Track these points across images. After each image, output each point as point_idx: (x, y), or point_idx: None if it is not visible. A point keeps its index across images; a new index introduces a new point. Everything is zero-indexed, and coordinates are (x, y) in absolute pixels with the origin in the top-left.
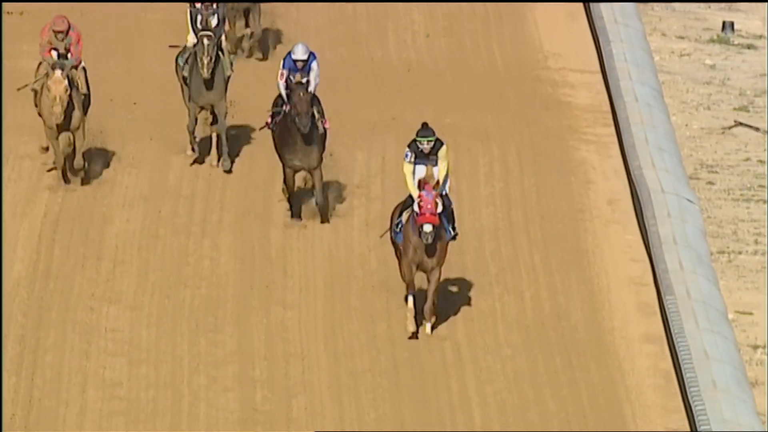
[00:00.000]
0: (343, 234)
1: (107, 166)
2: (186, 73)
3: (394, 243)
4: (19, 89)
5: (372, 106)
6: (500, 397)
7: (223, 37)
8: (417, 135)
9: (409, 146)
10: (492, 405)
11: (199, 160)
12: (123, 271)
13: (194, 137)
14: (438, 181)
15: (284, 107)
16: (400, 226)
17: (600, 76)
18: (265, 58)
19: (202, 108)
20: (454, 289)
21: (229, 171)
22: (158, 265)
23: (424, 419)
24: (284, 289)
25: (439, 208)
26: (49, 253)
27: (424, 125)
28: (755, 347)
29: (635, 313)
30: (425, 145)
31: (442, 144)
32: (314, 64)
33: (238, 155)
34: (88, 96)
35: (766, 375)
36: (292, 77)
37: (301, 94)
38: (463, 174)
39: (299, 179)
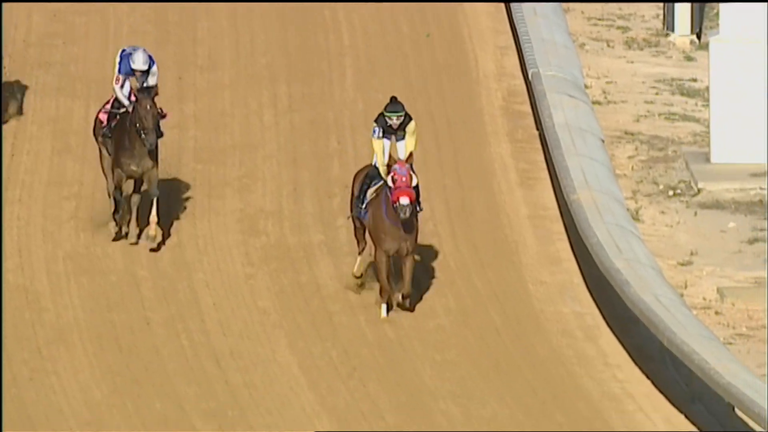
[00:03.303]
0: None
1: None
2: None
3: (355, 219)
4: None
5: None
6: None
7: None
8: (385, 110)
9: (376, 121)
10: None
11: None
12: None
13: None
14: (411, 154)
15: (120, 110)
16: (365, 203)
17: None
18: None
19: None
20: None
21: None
22: None
23: None
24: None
25: (414, 181)
26: None
27: (393, 99)
28: None
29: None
30: (394, 120)
31: (410, 119)
32: (154, 68)
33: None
34: None
35: None
36: (128, 81)
37: (148, 106)
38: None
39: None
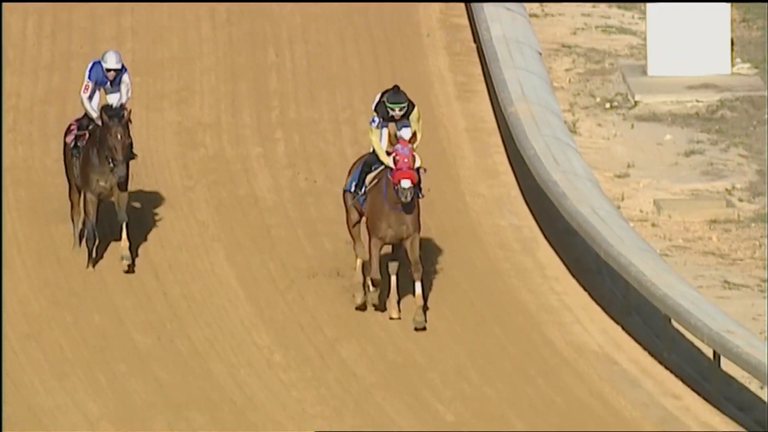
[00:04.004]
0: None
1: None
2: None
3: (350, 207)
4: None
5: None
6: None
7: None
8: (387, 100)
9: (376, 110)
10: None
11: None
12: None
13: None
14: (415, 135)
15: (89, 126)
16: (364, 189)
17: None
18: None
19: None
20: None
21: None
22: None
23: None
24: None
25: (417, 163)
26: None
27: (396, 89)
28: None
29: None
30: (396, 112)
31: (413, 107)
32: (126, 77)
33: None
34: None
35: None
36: (97, 91)
37: (119, 135)
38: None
39: None
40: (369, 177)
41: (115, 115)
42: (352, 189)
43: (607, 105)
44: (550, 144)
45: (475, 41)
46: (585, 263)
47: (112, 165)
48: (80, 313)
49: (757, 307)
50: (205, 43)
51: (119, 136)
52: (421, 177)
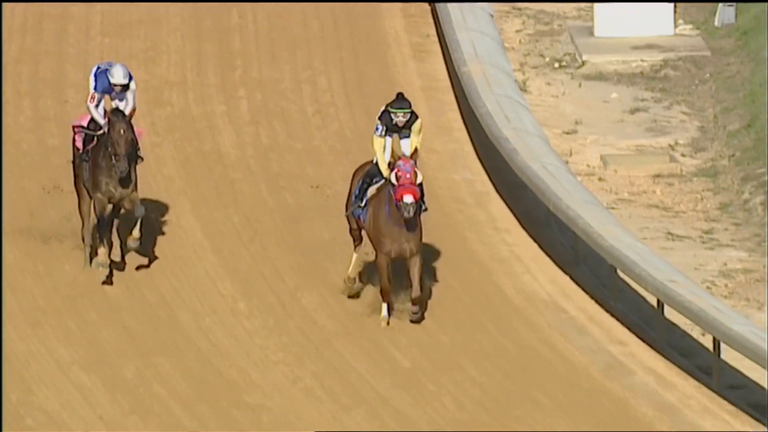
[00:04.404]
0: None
1: None
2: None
3: (351, 219)
4: None
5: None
6: None
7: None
8: (391, 106)
9: (380, 118)
10: None
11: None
12: None
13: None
14: (416, 150)
15: (98, 132)
16: (364, 200)
17: None
18: None
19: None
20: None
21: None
22: None
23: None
24: None
25: (419, 179)
26: None
27: (400, 96)
28: None
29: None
30: (400, 118)
31: (416, 117)
32: (132, 84)
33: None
34: None
35: None
36: (103, 101)
37: (122, 131)
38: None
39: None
40: (370, 190)
41: (119, 112)
42: (354, 202)
43: (556, 65)
44: (502, 102)
45: (429, 3)
46: (535, 216)
47: (113, 161)
48: (52, 263)
49: (699, 258)
50: (172, 5)
51: (121, 131)
52: (424, 192)
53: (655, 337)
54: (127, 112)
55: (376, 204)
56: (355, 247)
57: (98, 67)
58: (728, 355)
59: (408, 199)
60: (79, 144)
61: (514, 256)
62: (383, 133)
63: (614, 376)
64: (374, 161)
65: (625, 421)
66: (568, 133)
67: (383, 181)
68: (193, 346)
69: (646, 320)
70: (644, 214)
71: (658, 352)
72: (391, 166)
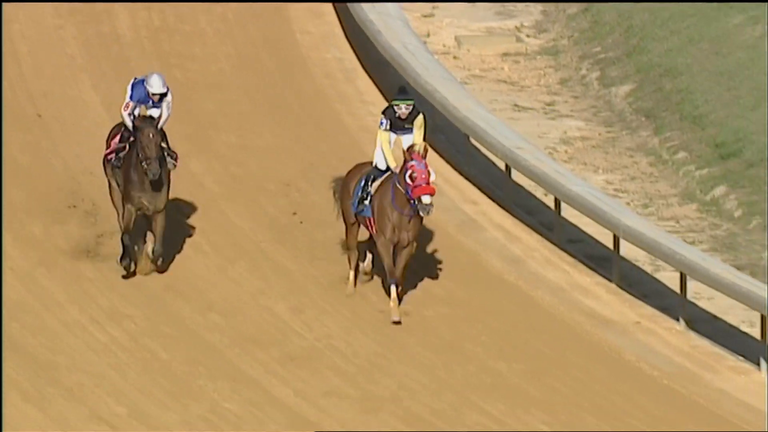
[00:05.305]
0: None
1: None
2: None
3: (348, 214)
4: None
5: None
6: None
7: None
8: (394, 98)
9: (384, 113)
10: None
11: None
12: None
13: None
14: (426, 148)
15: (130, 139)
16: (368, 198)
17: None
18: None
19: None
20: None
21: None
22: None
23: None
24: None
25: (432, 177)
26: None
27: (402, 89)
28: None
29: None
30: (403, 110)
31: (419, 113)
32: (169, 96)
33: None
34: None
35: None
36: (138, 110)
37: (151, 134)
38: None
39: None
40: (375, 185)
41: (148, 118)
42: (356, 205)
43: None
44: None
45: None
46: (397, 89)
47: (144, 165)
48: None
49: (542, 127)
50: None
51: (150, 135)
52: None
53: (504, 197)
54: (160, 122)
55: (381, 193)
56: (353, 267)
57: (135, 78)
58: (568, 212)
59: (426, 198)
60: (111, 155)
61: (377, 123)
62: (388, 127)
63: (468, 232)
64: (373, 163)
65: (476, 271)
66: (426, 17)
67: (386, 174)
68: (90, 204)
69: (496, 182)
70: (494, 88)
71: (506, 210)
72: (403, 162)
